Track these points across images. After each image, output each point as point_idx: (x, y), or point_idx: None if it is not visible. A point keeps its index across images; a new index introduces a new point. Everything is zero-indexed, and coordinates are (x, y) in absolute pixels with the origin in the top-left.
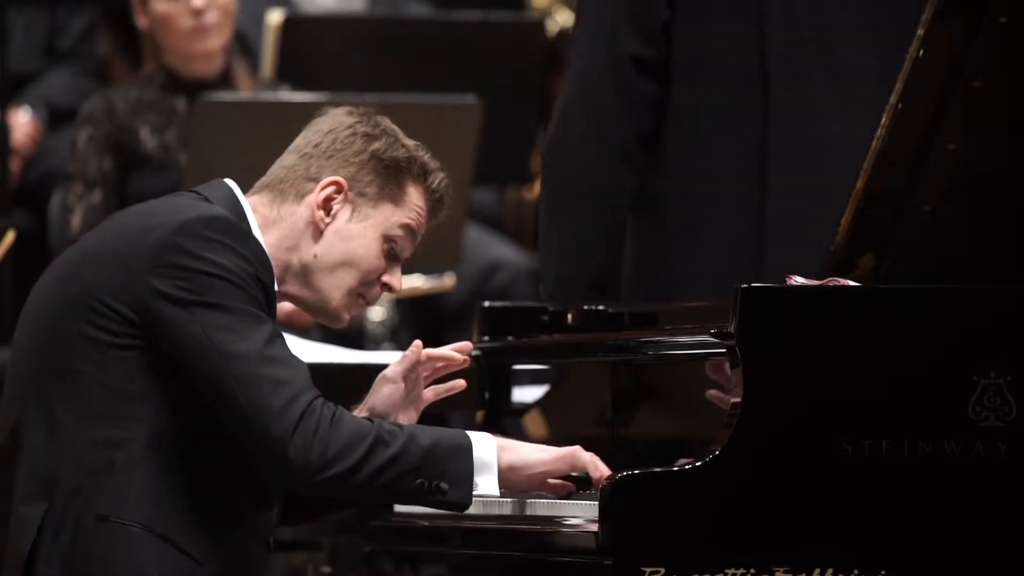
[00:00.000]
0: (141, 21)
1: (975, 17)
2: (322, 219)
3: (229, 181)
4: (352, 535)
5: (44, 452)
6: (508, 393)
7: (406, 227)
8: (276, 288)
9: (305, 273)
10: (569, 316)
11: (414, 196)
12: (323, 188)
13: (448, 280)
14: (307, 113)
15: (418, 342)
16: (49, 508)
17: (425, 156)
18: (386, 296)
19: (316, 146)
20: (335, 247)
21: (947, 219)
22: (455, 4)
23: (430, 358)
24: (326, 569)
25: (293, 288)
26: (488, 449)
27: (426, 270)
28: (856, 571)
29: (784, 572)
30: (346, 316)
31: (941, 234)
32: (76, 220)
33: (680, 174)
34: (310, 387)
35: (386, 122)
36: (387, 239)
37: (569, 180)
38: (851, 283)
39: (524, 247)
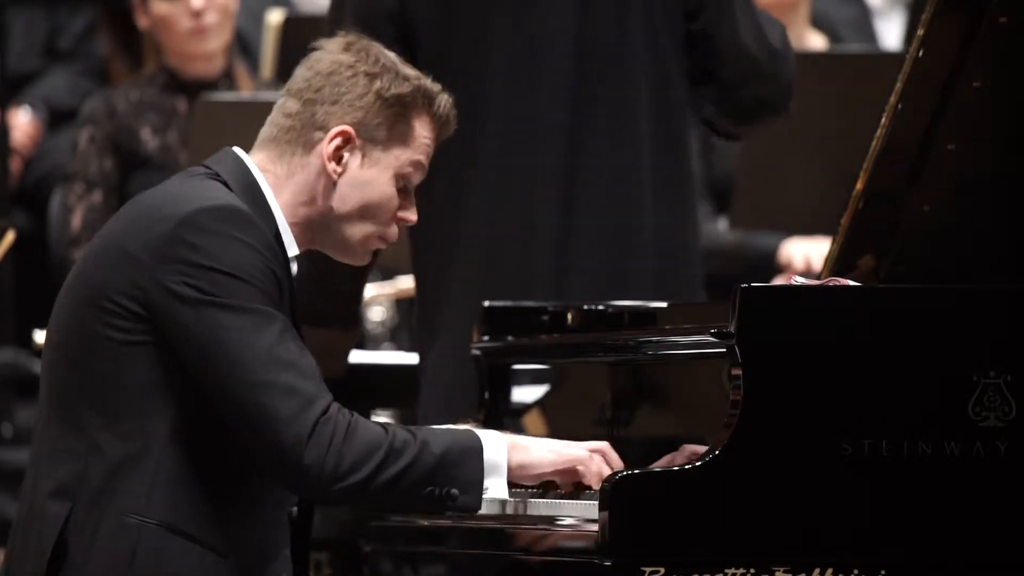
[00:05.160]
0: (142, 21)
1: (975, 17)
2: (334, 170)
3: (237, 150)
4: (352, 535)
5: (68, 451)
6: (508, 393)
7: (417, 163)
8: (297, 251)
9: (325, 223)
10: (569, 316)
11: (421, 129)
12: (332, 139)
13: None
14: None
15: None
16: (74, 507)
17: (427, 82)
18: (386, 296)
19: (318, 91)
20: (351, 196)
21: (947, 219)
22: None
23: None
24: (326, 570)
25: (315, 239)
26: (499, 450)
27: None
28: (856, 571)
29: (784, 572)
30: (368, 256)
31: (941, 234)
32: (76, 220)
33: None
34: (323, 391)
35: (384, 55)
36: (400, 178)
37: None
38: (851, 283)
39: None
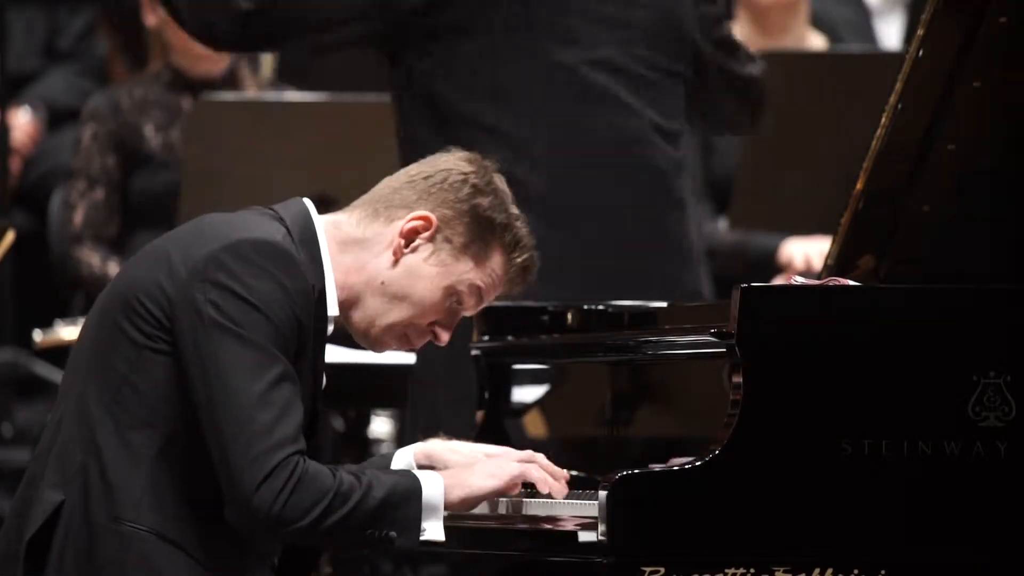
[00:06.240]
0: (150, 19)
1: (975, 17)
2: (401, 247)
3: (307, 201)
4: None
5: (71, 444)
6: (508, 393)
7: (476, 288)
8: (337, 312)
9: (363, 295)
10: (569, 316)
11: (495, 263)
12: (412, 219)
13: None
14: (307, 113)
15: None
16: (65, 500)
17: (523, 230)
18: None
19: (427, 178)
20: (400, 279)
21: (947, 219)
22: None
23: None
24: (326, 569)
25: (347, 311)
26: (437, 492)
27: None
28: (856, 571)
29: (784, 572)
30: (384, 348)
31: (941, 234)
32: (78, 217)
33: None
34: (294, 440)
35: (501, 183)
36: (452, 292)
37: None
38: (851, 283)
39: None
